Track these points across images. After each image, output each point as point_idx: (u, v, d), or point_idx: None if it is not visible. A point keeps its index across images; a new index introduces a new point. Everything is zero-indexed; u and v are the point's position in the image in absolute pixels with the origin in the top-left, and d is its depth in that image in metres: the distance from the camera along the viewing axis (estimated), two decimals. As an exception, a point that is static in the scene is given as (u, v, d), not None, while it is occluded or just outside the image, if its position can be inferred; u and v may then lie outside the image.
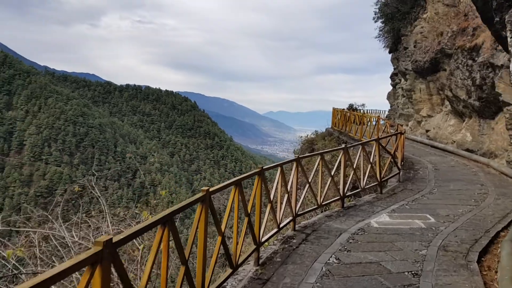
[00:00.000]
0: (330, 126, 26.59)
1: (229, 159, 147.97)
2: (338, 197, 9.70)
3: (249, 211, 5.90)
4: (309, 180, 8.63)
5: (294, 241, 7.36)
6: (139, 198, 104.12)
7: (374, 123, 21.20)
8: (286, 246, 7.08)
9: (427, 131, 20.88)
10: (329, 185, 9.56)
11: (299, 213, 8.30)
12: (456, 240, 7.42)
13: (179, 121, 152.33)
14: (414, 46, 21.68)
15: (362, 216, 8.96)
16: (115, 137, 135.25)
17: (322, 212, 9.82)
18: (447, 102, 19.38)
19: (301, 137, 27.87)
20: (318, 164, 8.96)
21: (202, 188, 4.63)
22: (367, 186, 10.77)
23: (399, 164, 12.61)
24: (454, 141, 18.37)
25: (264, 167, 6.61)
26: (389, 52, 27.59)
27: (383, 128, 17.99)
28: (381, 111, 36.46)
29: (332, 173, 9.46)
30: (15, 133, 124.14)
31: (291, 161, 8.13)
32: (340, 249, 6.85)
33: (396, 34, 25.29)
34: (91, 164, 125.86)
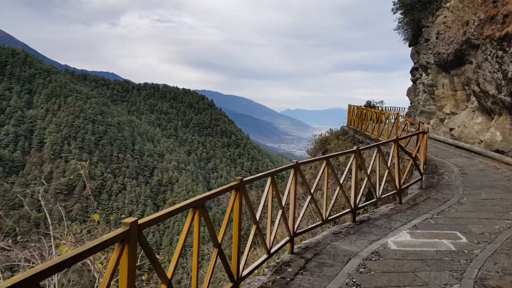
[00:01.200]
0: (345, 124, 24.86)
1: (245, 157, 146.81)
2: (349, 210, 8.09)
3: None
4: (312, 191, 7.05)
5: (290, 269, 5.78)
6: (157, 196, 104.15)
7: (393, 121, 19.47)
8: (278, 277, 5.52)
9: (451, 129, 19.00)
10: (337, 195, 7.96)
11: (298, 231, 6.73)
12: (496, 269, 5.76)
13: (196, 119, 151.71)
14: (437, 38, 19.79)
15: (377, 234, 7.33)
16: (133, 135, 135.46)
17: (329, 227, 8.23)
18: (473, 98, 17.49)
19: (314, 135, 26.19)
20: (323, 171, 7.38)
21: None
22: (384, 196, 9.12)
23: (421, 168, 10.89)
24: (482, 141, 16.49)
25: (244, 179, 5.06)
26: (409, 46, 25.67)
27: (403, 126, 16.21)
28: (401, 109, 34.46)
29: (342, 181, 7.86)
30: (35, 131, 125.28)
31: (287, 168, 6.56)
32: (347, 283, 5.26)
33: (416, 26, 23.36)
34: (109, 162, 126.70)
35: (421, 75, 23.21)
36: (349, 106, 23.38)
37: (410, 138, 13.19)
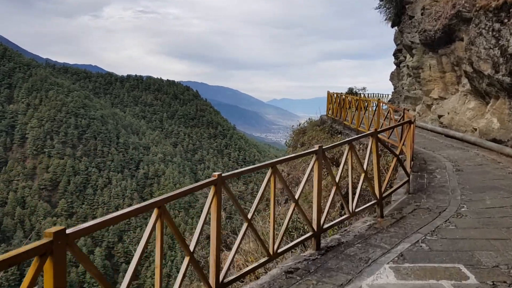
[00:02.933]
0: (325, 113, 22.49)
1: (232, 148, 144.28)
2: (310, 234, 5.70)
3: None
4: (250, 217, 4.65)
5: None
6: (143, 189, 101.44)
7: (375, 108, 17.18)
8: None
9: (439, 116, 16.71)
10: (291, 216, 5.57)
11: (225, 281, 4.33)
12: None
13: (182, 110, 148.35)
14: (422, 14, 17.39)
15: (348, 272, 4.96)
16: (117, 128, 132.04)
17: (282, 261, 5.83)
18: (465, 80, 15.18)
19: (292, 126, 23.75)
20: (269, 180, 4.97)
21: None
22: (359, 209, 6.74)
23: (408, 168, 8.52)
24: (476, 129, 14.23)
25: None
26: (392, 26, 23.25)
27: (386, 114, 13.84)
28: (384, 95, 32.20)
29: (298, 194, 5.48)
30: (17, 127, 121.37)
31: (204, 185, 4.12)
32: None
33: (399, 3, 20.95)
34: (94, 156, 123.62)
35: (405, 57, 20.84)
36: (328, 93, 20.97)
37: (393, 129, 10.85)
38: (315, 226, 5.68)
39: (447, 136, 15.26)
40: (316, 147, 5.74)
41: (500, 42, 12.37)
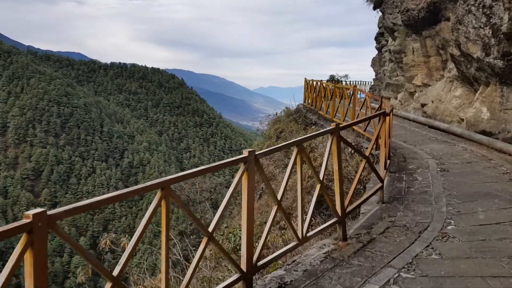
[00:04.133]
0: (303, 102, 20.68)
1: (218, 136, 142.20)
2: (237, 277, 3.92)
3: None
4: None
5: None
6: (128, 178, 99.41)
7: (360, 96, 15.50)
8: None
9: (423, 105, 15.02)
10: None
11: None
12: None
13: (167, 99, 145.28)
14: (405, -8, 15.58)
15: None
16: (101, 116, 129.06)
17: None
18: (451, 65, 13.48)
19: (268, 116, 21.88)
20: (155, 206, 3.18)
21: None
22: (314, 232, 4.96)
23: (382, 171, 6.77)
24: (463, 120, 12.56)
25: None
26: (374, 8, 21.41)
27: (362, 103, 12.03)
28: (367, 82, 30.48)
29: (212, 229, 3.73)
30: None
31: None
32: None
33: (381, -18, 19.11)
34: (77, 145, 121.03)
35: (387, 41, 19.07)
36: (305, 80, 19.12)
37: (370, 121, 9.08)
38: (244, 266, 3.91)
39: (431, 127, 13.58)
40: (245, 153, 3.94)
41: (491, 20, 10.65)
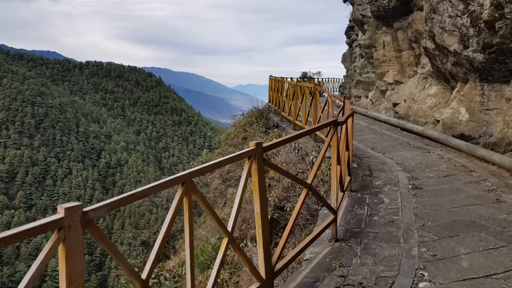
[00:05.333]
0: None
1: (197, 135, 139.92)
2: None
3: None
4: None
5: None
6: (105, 179, 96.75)
7: (324, 96, 13.84)
8: None
9: (394, 105, 13.43)
10: None
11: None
12: None
13: (144, 97, 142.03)
14: (375, -20, 13.95)
15: None
16: (77, 116, 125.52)
17: None
18: (425, 60, 11.91)
19: (234, 116, 19.99)
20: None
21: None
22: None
23: (334, 200, 5.02)
24: (439, 121, 11.00)
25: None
26: (344, 0, 19.77)
27: (324, 104, 10.26)
28: (340, 80, 28.93)
29: None
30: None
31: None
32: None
33: (350, -30, 17.45)
34: (52, 146, 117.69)
35: (357, 35, 17.46)
36: (270, 78, 17.34)
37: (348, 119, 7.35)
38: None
39: (404, 129, 11.99)
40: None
41: (470, 8, 9.07)
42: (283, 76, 17.92)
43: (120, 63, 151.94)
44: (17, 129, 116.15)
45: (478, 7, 8.80)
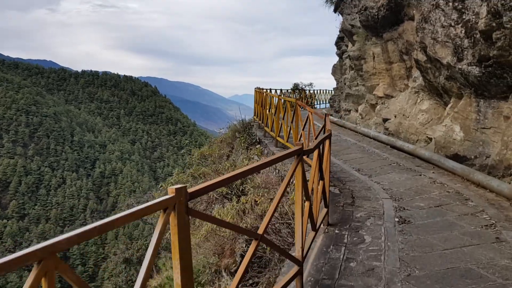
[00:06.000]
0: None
1: (193, 145, 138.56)
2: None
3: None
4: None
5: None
6: (99, 189, 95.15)
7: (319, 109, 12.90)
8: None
9: (385, 120, 12.53)
10: None
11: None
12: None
13: (140, 107, 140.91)
14: (364, -12, 13.15)
15: None
16: (72, 126, 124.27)
17: None
18: (416, 73, 11.04)
19: (221, 130, 18.96)
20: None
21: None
22: None
23: (301, 249, 4.03)
24: (431, 139, 10.09)
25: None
26: (334, 10, 19.00)
27: (305, 121, 9.25)
28: (331, 91, 28.08)
29: None
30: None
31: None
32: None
33: (340, -21, 16.68)
34: (46, 155, 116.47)
35: (347, 46, 16.64)
36: (255, 90, 16.37)
37: (321, 144, 6.41)
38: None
39: (394, 147, 11.06)
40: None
41: (464, 17, 8.22)
42: (271, 88, 17.04)
43: (116, 73, 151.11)
44: (11, 138, 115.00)
45: (474, 16, 7.95)
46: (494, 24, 7.08)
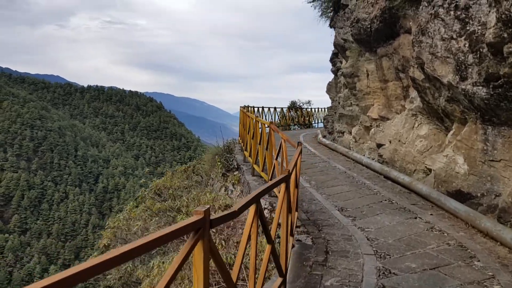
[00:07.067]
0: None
1: (196, 160, 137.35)
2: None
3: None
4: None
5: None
6: (102, 204, 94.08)
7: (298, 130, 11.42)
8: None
9: (379, 145, 11.04)
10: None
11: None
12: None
13: (144, 122, 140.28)
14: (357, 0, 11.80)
15: None
16: (76, 140, 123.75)
17: None
18: (414, 93, 9.58)
19: (205, 153, 17.47)
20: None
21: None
22: None
23: None
24: (430, 170, 8.58)
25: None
26: (331, 25, 17.69)
27: (278, 150, 7.78)
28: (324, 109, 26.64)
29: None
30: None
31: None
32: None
33: (335, -10, 15.36)
34: (50, 170, 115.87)
35: (341, 62, 15.25)
36: (241, 111, 14.79)
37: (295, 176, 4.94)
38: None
39: (388, 178, 9.55)
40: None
41: (468, 27, 6.80)
42: (263, 106, 15.61)
43: (122, 88, 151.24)
44: (15, 152, 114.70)
45: (480, 27, 6.53)
46: (505, 35, 5.64)
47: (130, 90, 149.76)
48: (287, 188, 3.99)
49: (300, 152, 6.08)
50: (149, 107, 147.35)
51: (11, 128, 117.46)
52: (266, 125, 8.25)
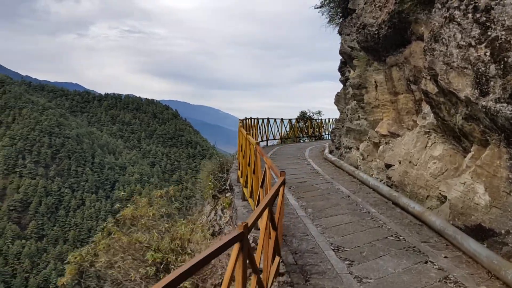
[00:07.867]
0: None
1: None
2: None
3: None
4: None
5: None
6: (118, 211, 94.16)
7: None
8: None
9: (387, 166, 9.83)
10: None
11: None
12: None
13: (160, 130, 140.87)
14: (365, 3, 10.68)
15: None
16: (93, 147, 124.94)
17: None
18: (427, 108, 8.37)
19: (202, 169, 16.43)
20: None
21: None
22: None
23: None
24: (445, 197, 7.35)
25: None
26: (339, 32, 16.56)
27: (263, 177, 6.70)
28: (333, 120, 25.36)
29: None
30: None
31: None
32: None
33: (346, -1, 14.23)
34: (67, 176, 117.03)
35: (349, 71, 14.08)
36: (239, 122, 13.60)
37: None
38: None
39: (396, 204, 8.34)
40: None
41: (490, 32, 5.62)
42: (268, 117, 14.48)
43: (139, 96, 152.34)
44: (33, 158, 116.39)
45: (503, 32, 5.36)
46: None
47: (146, 98, 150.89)
48: (242, 249, 2.90)
49: (283, 183, 4.97)
50: (165, 115, 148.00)
51: (30, 135, 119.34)
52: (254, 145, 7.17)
